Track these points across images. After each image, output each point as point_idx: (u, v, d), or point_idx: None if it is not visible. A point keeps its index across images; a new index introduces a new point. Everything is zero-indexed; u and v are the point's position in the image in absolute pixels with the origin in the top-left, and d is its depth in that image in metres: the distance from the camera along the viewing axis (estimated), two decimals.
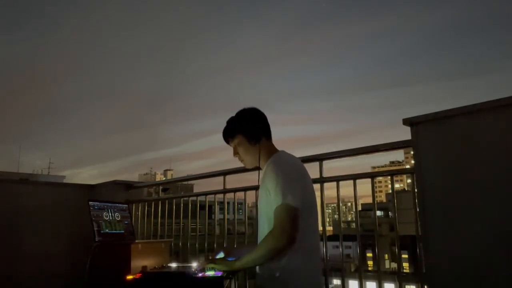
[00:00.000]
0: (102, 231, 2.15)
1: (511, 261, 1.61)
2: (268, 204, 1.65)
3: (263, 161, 1.78)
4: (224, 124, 1.87)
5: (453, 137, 1.82)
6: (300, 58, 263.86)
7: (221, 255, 1.90)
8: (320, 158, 2.43)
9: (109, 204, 2.33)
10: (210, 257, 1.90)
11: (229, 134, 1.85)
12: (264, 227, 1.68)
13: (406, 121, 1.93)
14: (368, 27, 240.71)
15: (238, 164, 1.91)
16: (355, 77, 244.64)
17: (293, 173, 1.68)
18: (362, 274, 2.42)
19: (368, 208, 37.99)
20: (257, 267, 1.70)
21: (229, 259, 1.76)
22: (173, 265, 1.96)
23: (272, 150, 1.81)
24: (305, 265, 1.63)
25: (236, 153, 1.85)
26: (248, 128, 1.79)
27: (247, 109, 1.86)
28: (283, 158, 1.76)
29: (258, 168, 1.83)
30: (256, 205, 1.74)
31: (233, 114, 1.86)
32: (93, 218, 2.14)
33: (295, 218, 1.56)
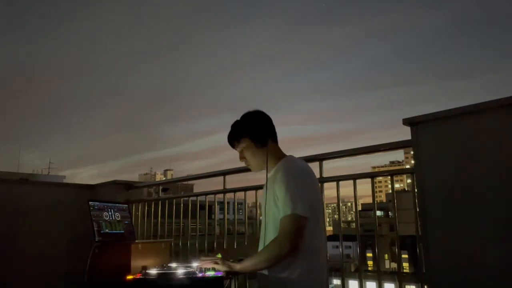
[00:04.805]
0: (102, 231, 2.15)
1: (511, 261, 1.61)
2: (276, 210, 1.63)
3: (270, 164, 1.75)
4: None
5: (453, 137, 1.81)
6: (300, 58, 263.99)
7: (218, 256, 1.89)
8: (320, 158, 2.42)
9: (109, 204, 2.33)
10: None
11: (235, 138, 1.80)
12: (271, 232, 1.66)
13: (406, 121, 1.93)
14: (368, 26, 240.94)
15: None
16: (355, 77, 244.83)
17: (304, 180, 1.66)
18: (362, 274, 2.42)
19: (368, 208, 38.02)
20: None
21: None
22: (173, 265, 1.96)
23: (280, 154, 1.78)
24: (311, 266, 1.62)
25: (242, 157, 1.80)
26: (255, 131, 1.75)
27: (252, 112, 1.82)
28: (293, 163, 1.72)
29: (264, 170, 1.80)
30: (265, 208, 1.71)
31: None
32: (93, 218, 2.13)
33: (301, 227, 1.55)
